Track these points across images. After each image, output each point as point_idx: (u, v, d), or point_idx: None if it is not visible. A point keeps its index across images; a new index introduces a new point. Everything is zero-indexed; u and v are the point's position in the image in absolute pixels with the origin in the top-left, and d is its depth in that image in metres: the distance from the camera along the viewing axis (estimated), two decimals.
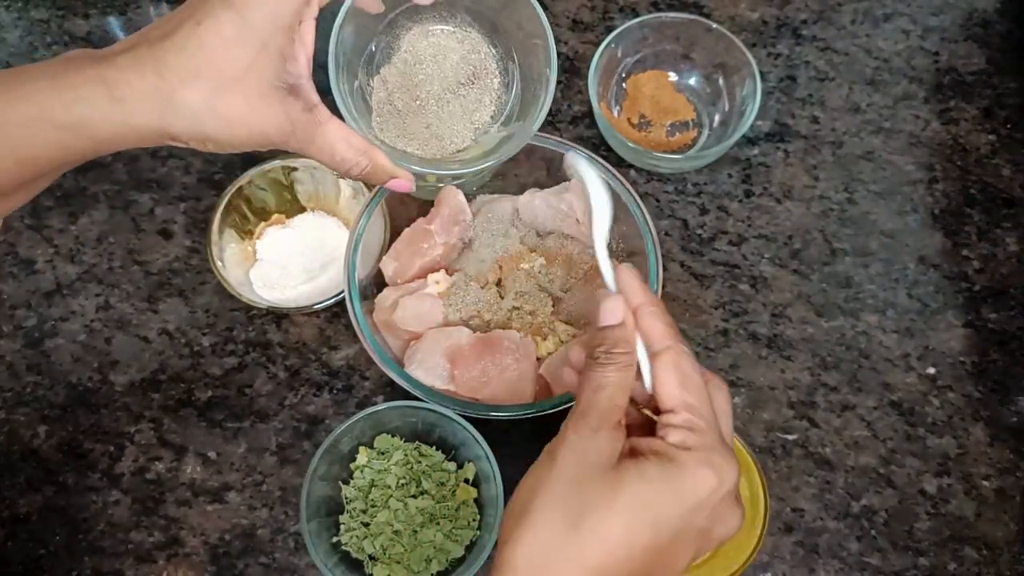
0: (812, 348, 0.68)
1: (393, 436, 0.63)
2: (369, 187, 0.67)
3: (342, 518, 0.61)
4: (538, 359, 0.61)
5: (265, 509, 0.64)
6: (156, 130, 0.40)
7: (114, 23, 0.81)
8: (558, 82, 0.77)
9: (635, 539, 0.37)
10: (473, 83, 0.50)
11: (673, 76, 0.77)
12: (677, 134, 0.76)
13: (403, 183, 0.47)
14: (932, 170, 0.75)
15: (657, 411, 0.42)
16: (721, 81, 0.74)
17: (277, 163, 0.69)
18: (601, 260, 0.44)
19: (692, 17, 0.73)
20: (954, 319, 0.69)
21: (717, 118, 0.75)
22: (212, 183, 0.74)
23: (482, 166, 0.49)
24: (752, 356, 0.68)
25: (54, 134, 0.39)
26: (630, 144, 0.69)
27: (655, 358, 0.41)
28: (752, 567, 0.58)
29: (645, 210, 0.61)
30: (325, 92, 0.44)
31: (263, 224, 0.71)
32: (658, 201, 0.74)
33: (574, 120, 0.76)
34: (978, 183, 0.74)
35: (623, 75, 0.76)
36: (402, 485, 0.61)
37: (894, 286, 0.70)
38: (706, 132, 0.75)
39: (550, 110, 0.76)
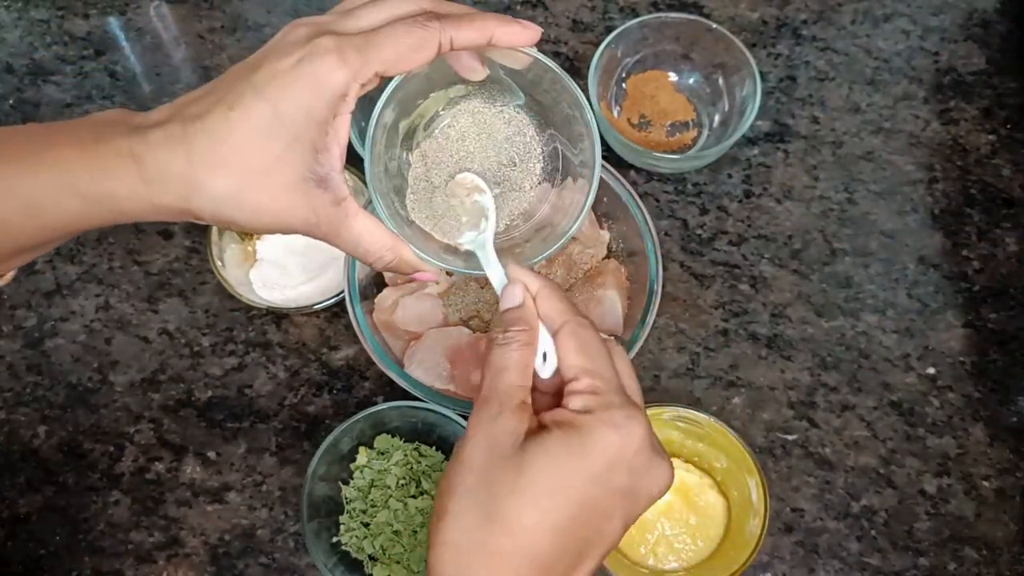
0: (812, 348, 0.68)
1: (393, 436, 0.63)
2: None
3: (342, 518, 0.61)
4: None
5: (265, 509, 0.64)
6: (180, 210, 0.40)
7: (114, 23, 0.81)
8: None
9: (552, 517, 0.36)
10: (515, 166, 0.48)
11: (673, 76, 0.77)
12: (677, 134, 0.76)
13: (428, 275, 0.47)
14: (932, 170, 0.75)
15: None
16: (721, 81, 0.74)
17: None
18: (490, 260, 0.45)
19: (692, 17, 0.73)
20: (954, 319, 0.69)
21: (717, 118, 0.75)
22: None
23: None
24: (752, 356, 0.68)
25: (78, 203, 0.39)
26: (630, 144, 0.69)
27: (556, 335, 0.41)
28: (752, 567, 0.58)
29: (645, 210, 0.61)
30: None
31: None
32: (658, 201, 0.74)
33: None
34: (978, 183, 0.74)
35: (623, 75, 0.76)
36: (402, 485, 0.61)
37: (894, 286, 0.70)
38: (706, 132, 0.75)
39: None
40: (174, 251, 0.72)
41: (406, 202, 0.47)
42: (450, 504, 0.38)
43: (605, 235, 0.67)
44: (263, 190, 0.39)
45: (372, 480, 0.61)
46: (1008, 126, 0.76)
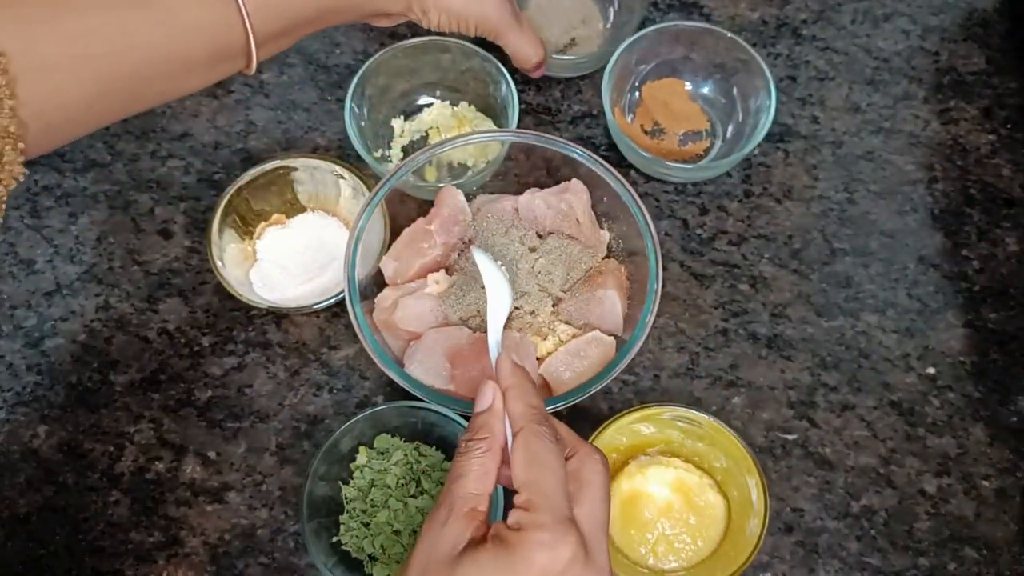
0: (812, 348, 0.68)
1: (393, 436, 0.63)
2: (369, 187, 0.67)
3: (342, 518, 0.61)
4: (538, 359, 0.61)
5: (265, 509, 0.64)
6: None
7: None
8: (559, 81, 0.77)
9: None
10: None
11: (688, 85, 0.76)
12: (690, 143, 0.75)
13: (541, 70, 0.70)
14: (932, 170, 0.75)
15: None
16: (736, 91, 0.74)
17: (277, 163, 0.69)
18: (491, 345, 0.50)
19: (707, 26, 0.72)
20: (954, 319, 0.69)
21: (731, 128, 0.74)
22: (212, 183, 0.74)
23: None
24: (752, 356, 0.68)
25: None
26: (643, 153, 0.68)
27: (513, 440, 0.43)
28: (752, 567, 0.58)
29: (645, 210, 0.61)
30: None
31: (263, 224, 0.71)
32: (658, 201, 0.74)
33: (574, 120, 0.76)
34: (978, 183, 0.74)
35: (636, 83, 0.76)
36: (402, 485, 0.61)
37: (894, 286, 0.70)
38: (719, 143, 0.75)
39: (550, 109, 0.76)
40: (174, 251, 0.72)
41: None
42: None
43: (605, 235, 0.67)
44: None
45: (372, 480, 0.61)
46: (1008, 126, 0.76)
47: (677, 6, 0.81)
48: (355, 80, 0.70)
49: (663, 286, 0.60)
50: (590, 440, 0.59)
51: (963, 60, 0.79)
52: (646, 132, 0.76)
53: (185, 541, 0.63)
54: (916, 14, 0.81)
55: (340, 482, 0.62)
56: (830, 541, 0.63)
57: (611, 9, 0.79)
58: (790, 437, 0.66)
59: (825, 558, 0.62)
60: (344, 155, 0.74)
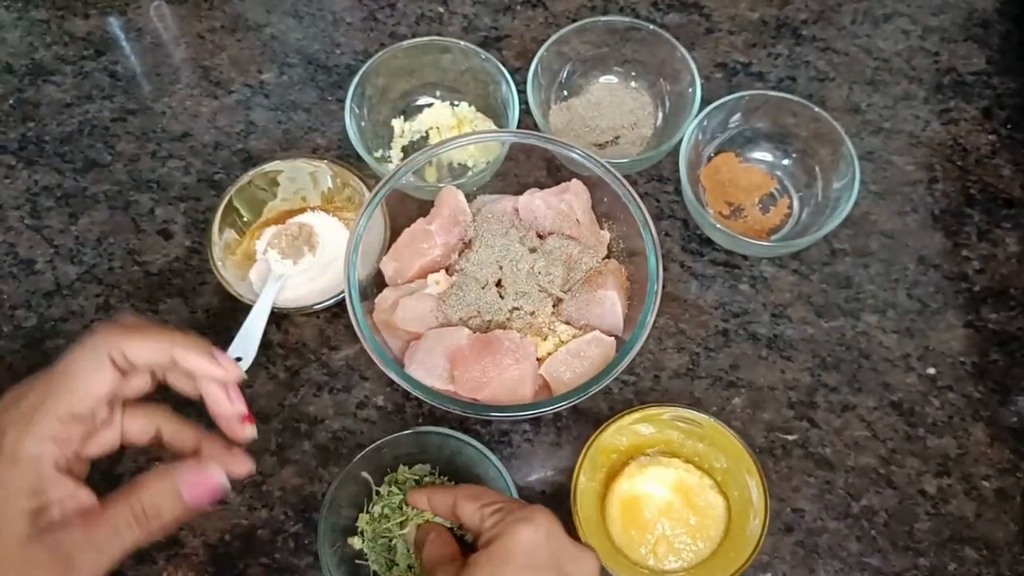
0: (812, 348, 0.68)
1: (413, 466, 0.61)
2: (369, 187, 0.67)
3: (363, 519, 0.60)
4: (538, 359, 0.61)
5: (265, 509, 0.64)
6: None
7: (114, 23, 0.82)
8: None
9: None
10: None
11: (741, 155, 0.74)
12: (771, 208, 0.73)
13: None
14: (932, 170, 0.75)
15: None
16: (818, 168, 0.72)
17: (277, 163, 0.69)
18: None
19: (789, 96, 0.70)
20: (954, 319, 0.69)
21: (800, 175, 0.72)
22: (212, 183, 0.74)
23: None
24: (752, 356, 0.68)
25: None
26: (744, 239, 0.67)
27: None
28: (752, 567, 0.58)
29: (645, 210, 0.61)
30: None
31: (263, 224, 0.71)
32: (658, 201, 0.74)
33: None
34: (978, 183, 0.74)
35: (698, 173, 0.73)
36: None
37: (894, 286, 0.70)
38: (793, 192, 0.73)
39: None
40: (174, 251, 0.72)
41: None
42: None
43: (605, 235, 0.67)
44: None
45: (400, 503, 0.60)
46: (1008, 126, 0.76)
47: (677, 6, 0.81)
48: (355, 80, 0.71)
49: (663, 286, 0.60)
50: (590, 440, 0.59)
51: (963, 60, 0.79)
52: (725, 217, 0.73)
53: (185, 541, 0.63)
54: (916, 14, 0.81)
55: (375, 486, 0.60)
56: (830, 541, 0.63)
57: (661, 113, 0.76)
58: (790, 437, 0.66)
59: (825, 558, 0.62)
60: (344, 155, 0.74)
